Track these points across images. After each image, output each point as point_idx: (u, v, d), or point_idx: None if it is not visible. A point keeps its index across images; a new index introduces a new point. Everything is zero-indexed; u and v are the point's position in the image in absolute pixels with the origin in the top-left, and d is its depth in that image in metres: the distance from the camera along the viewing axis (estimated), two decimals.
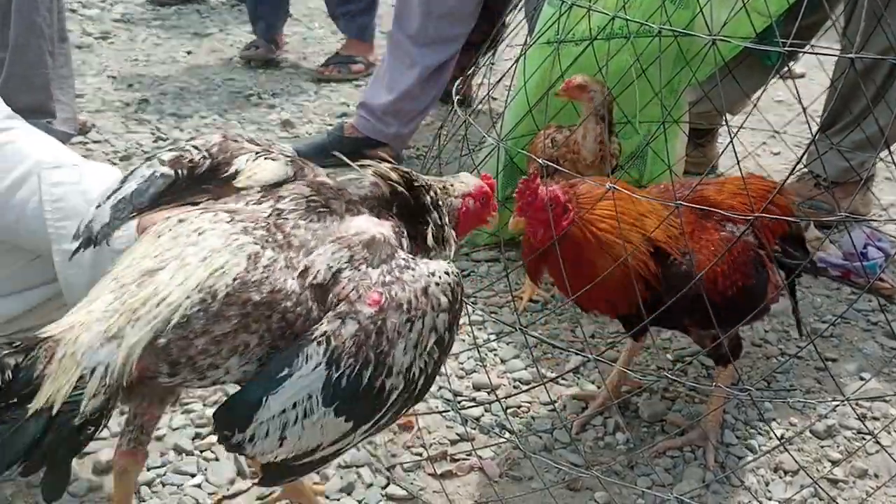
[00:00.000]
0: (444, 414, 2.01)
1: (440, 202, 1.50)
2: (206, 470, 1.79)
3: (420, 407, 2.02)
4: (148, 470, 1.77)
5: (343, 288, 1.30)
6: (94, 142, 3.43)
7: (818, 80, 3.00)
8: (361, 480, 1.81)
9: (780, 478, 1.90)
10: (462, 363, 2.20)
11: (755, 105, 1.93)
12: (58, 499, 1.21)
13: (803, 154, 1.71)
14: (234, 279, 1.26)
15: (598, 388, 2.11)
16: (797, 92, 1.62)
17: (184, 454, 1.85)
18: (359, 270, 1.32)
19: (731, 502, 1.83)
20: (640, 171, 2.75)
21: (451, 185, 1.56)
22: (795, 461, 1.84)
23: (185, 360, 1.26)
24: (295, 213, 1.37)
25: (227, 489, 1.76)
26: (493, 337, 2.33)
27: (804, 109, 2.38)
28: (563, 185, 1.75)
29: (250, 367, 1.29)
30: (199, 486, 1.75)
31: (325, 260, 1.32)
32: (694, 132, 3.12)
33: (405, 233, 1.44)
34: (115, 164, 3.26)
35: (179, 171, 1.42)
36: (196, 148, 1.45)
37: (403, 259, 1.36)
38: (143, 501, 1.70)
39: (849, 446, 2.00)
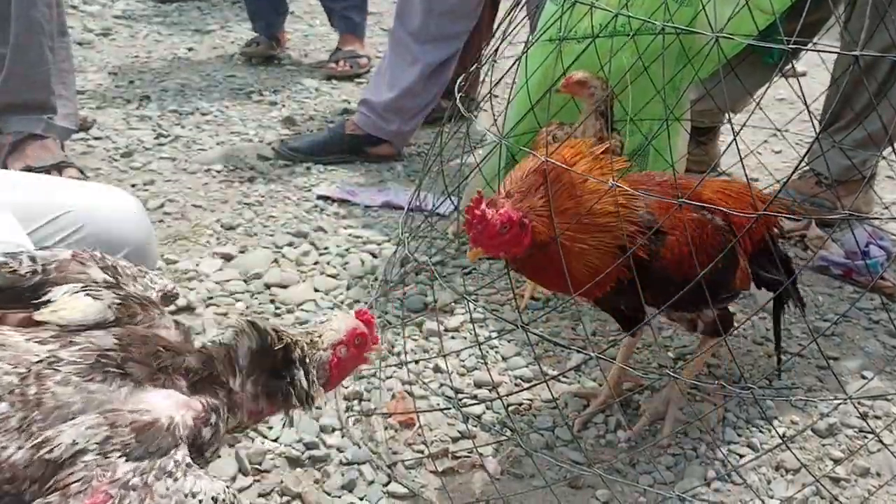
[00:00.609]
0: (445, 412, 2.01)
1: (307, 359, 1.32)
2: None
3: (422, 404, 2.02)
4: None
5: (71, 475, 1.05)
6: (96, 138, 3.43)
7: (820, 78, 3.00)
8: (363, 478, 1.81)
9: (782, 476, 1.90)
10: (463, 361, 2.20)
11: (757, 103, 1.92)
12: None
13: (806, 153, 1.71)
14: None
15: (600, 385, 2.11)
16: (801, 90, 1.62)
17: None
18: (106, 458, 1.06)
19: (733, 500, 1.83)
20: (642, 168, 2.74)
21: (320, 337, 1.36)
22: (797, 459, 1.84)
23: None
24: (73, 367, 1.13)
25: (228, 486, 1.76)
26: (494, 335, 2.32)
27: (807, 107, 2.38)
28: (515, 199, 1.62)
29: None
30: None
31: (74, 434, 1.07)
32: (695, 130, 3.12)
33: (221, 415, 1.21)
34: (116, 160, 3.27)
35: None
36: (32, 259, 1.25)
37: (175, 462, 1.10)
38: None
39: (851, 445, 2.00)
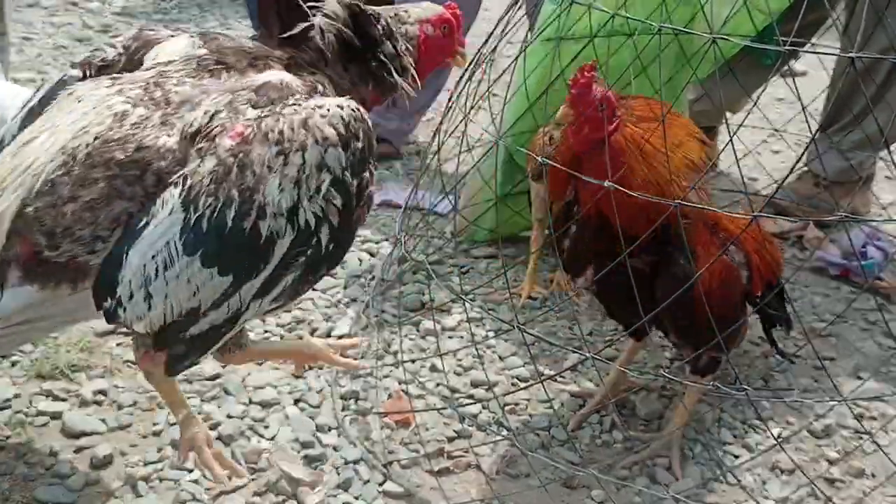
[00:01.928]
0: (441, 411, 2.01)
1: (393, 30, 1.39)
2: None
3: (418, 404, 2.02)
4: (145, 465, 1.77)
5: (211, 128, 1.19)
6: None
7: (819, 78, 2.99)
8: (358, 477, 1.81)
9: (777, 476, 1.90)
10: (460, 360, 2.20)
11: (755, 103, 1.92)
12: None
13: (803, 152, 1.71)
14: (96, 138, 1.18)
15: (596, 385, 2.11)
16: (797, 90, 1.62)
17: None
18: (236, 111, 1.21)
19: (728, 500, 1.83)
20: None
21: (406, 12, 1.44)
22: (792, 461, 1.84)
23: (61, 231, 1.16)
24: (181, 73, 1.28)
25: (225, 484, 1.76)
26: (491, 334, 2.32)
27: (804, 108, 2.38)
28: (618, 97, 1.71)
29: None
30: (196, 481, 1.74)
31: (205, 106, 1.22)
32: None
33: (324, 88, 1.33)
34: None
35: (88, 71, 1.38)
36: (112, 46, 1.40)
37: (296, 98, 1.24)
38: (140, 497, 1.70)
39: (846, 446, 2.00)
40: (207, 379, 2.02)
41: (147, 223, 1.16)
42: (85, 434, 1.84)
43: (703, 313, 1.61)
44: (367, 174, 1.25)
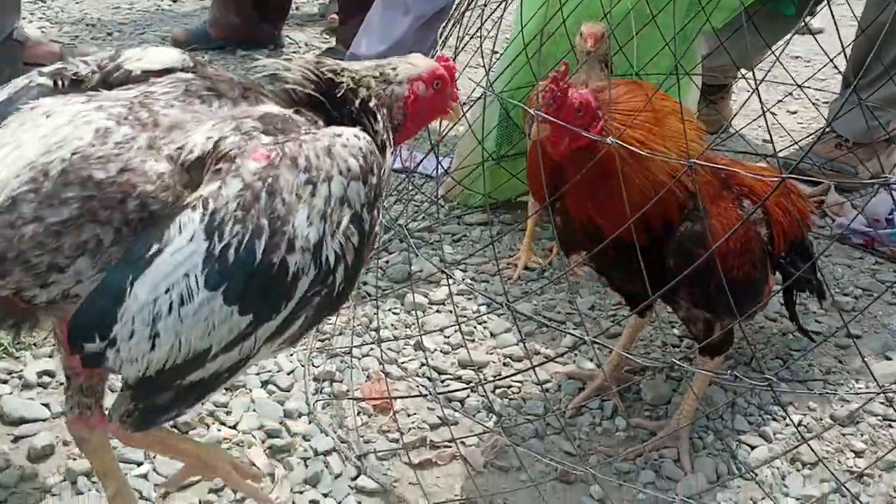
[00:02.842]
0: (424, 394, 1.81)
1: (373, 102, 1.26)
2: (154, 458, 1.59)
3: (400, 386, 1.83)
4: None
5: (225, 151, 1.08)
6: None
7: (835, 36, 2.76)
8: (329, 470, 1.62)
9: (798, 471, 1.71)
10: (448, 337, 2.00)
11: (778, 58, 1.70)
12: None
13: (836, 115, 1.48)
14: (74, 153, 1.05)
15: (597, 366, 1.91)
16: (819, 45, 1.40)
17: None
18: (248, 135, 1.10)
19: (743, 498, 1.63)
20: None
21: (393, 70, 1.30)
22: (814, 452, 1.65)
23: (13, 256, 1.02)
24: (169, 95, 1.17)
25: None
26: (483, 308, 2.12)
27: (830, 60, 2.16)
28: (594, 90, 1.53)
29: None
30: (145, 475, 1.55)
31: (204, 132, 1.10)
32: (706, 88, 2.90)
33: (323, 124, 1.22)
34: None
35: (59, 82, 1.22)
36: (85, 62, 1.25)
37: (307, 129, 1.15)
38: (81, 493, 1.51)
39: (874, 435, 1.80)
40: None
41: (160, 251, 1.03)
42: (25, 421, 1.65)
43: (717, 273, 1.42)
44: (377, 213, 1.17)
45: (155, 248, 1.03)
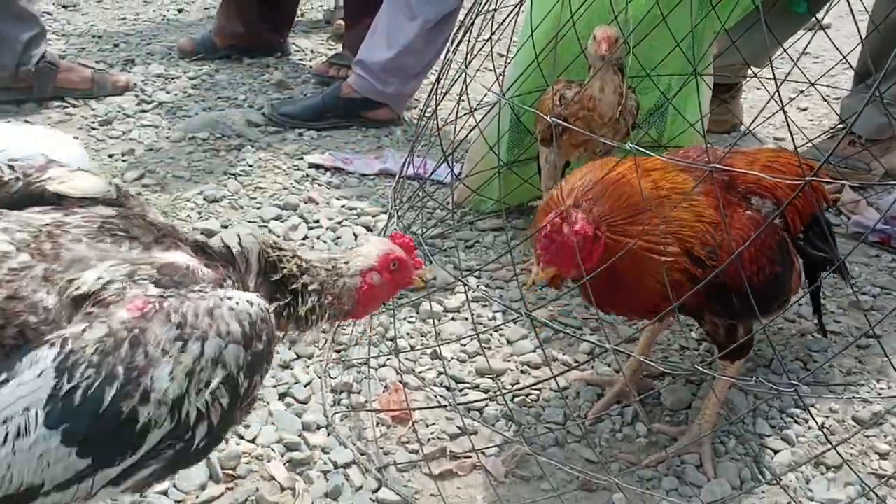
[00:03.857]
0: (443, 405, 1.80)
1: (312, 288, 1.28)
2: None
3: (418, 396, 1.82)
4: None
5: (105, 296, 1.08)
6: (74, 105, 3.20)
7: (845, 31, 2.74)
8: (350, 483, 1.61)
9: (822, 474, 1.69)
10: (464, 345, 1.99)
11: (794, 61, 1.68)
12: None
13: (858, 114, 1.46)
14: None
15: (616, 371, 1.89)
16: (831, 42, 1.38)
17: None
18: (136, 284, 1.10)
19: (767, 503, 1.62)
20: (660, 129, 2.51)
21: (346, 264, 1.34)
22: (840, 455, 1.63)
23: None
24: (81, 230, 1.16)
25: (197, 496, 1.56)
26: (499, 316, 2.11)
27: (844, 57, 2.14)
28: (585, 208, 1.49)
29: None
30: (165, 493, 1.54)
31: (98, 271, 1.10)
32: (717, 87, 2.87)
33: (232, 284, 1.22)
34: (94, 128, 3.05)
35: None
36: (11, 167, 1.25)
37: (202, 286, 1.14)
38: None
39: None
40: None
41: (6, 380, 1.03)
42: None
43: (741, 285, 1.41)
44: (258, 378, 1.15)
45: (3, 376, 1.03)
